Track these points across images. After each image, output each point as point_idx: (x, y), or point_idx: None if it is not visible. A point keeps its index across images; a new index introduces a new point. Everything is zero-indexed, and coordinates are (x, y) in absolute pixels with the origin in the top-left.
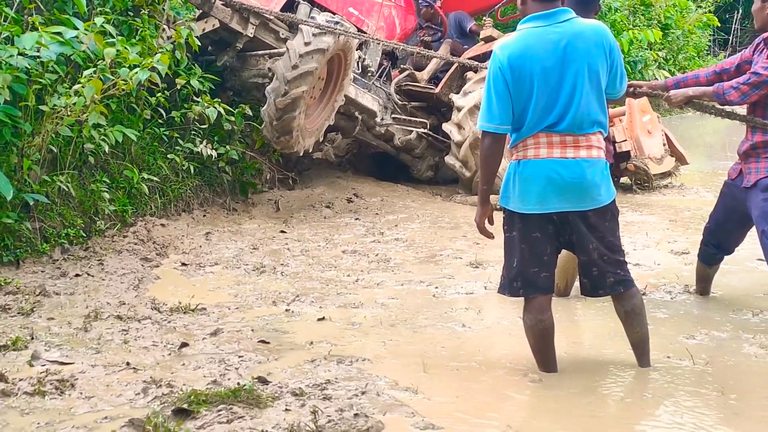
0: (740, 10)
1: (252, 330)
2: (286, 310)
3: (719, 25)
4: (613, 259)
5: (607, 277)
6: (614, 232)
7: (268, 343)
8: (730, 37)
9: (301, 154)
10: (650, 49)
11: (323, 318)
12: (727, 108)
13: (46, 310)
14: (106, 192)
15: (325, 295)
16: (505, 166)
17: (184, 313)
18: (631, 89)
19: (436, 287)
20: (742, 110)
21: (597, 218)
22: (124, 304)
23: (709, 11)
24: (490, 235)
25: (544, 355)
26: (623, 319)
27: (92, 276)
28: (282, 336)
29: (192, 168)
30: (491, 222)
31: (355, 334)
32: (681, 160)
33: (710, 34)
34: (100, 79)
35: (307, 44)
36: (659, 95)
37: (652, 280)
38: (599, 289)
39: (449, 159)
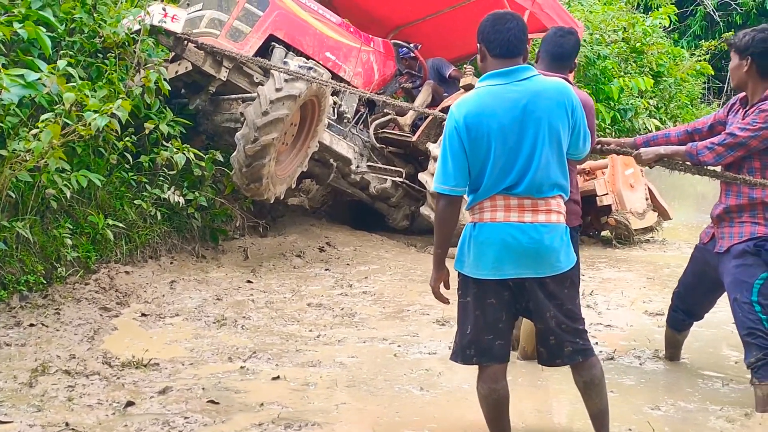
0: None
1: (203, 388)
2: (241, 368)
3: (713, 73)
4: (571, 328)
5: (565, 346)
6: (573, 299)
7: (218, 403)
8: (725, 86)
9: (272, 201)
10: (641, 97)
11: (278, 377)
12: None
13: None
14: (69, 238)
15: (283, 352)
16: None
17: (136, 368)
18: (599, 146)
19: (399, 345)
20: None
21: (555, 285)
22: (75, 357)
23: (704, 59)
24: (445, 301)
25: (498, 426)
26: (581, 390)
27: (46, 326)
28: (233, 396)
29: (160, 214)
30: (447, 286)
31: (308, 395)
32: (664, 215)
33: (704, 82)
34: (60, 123)
35: (278, 90)
36: (628, 153)
37: (623, 342)
38: (557, 359)
39: (424, 210)
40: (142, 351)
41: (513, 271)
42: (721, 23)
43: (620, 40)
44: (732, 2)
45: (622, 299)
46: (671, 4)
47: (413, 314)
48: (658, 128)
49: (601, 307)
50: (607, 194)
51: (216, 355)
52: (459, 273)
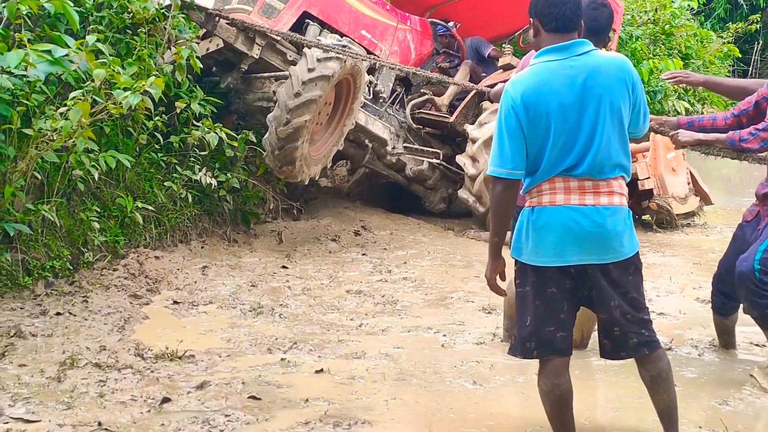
0: (761, 41)
1: (243, 383)
2: (282, 359)
3: (740, 56)
4: (636, 318)
5: (630, 338)
6: (638, 287)
7: (260, 399)
8: (750, 68)
9: (306, 183)
10: None
11: (321, 370)
12: None
13: (20, 354)
14: (97, 221)
15: (324, 343)
16: None
17: (170, 360)
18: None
19: (445, 335)
20: None
21: (619, 272)
22: (105, 349)
23: (730, 41)
24: (502, 293)
25: (562, 423)
26: (648, 385)
27: (74, 315)
28: (275, 391)
29: (190, 196)
30: (503, 277)
31: (355, 390)
32: (705, 199)
33: (730, 65)
34: (89, 101)
35: (310, 70)
36: (665, 133)
37: (677, 331)
38: (621, 351)
39: (462, 193)
40: (176, 342)
41: (575, 257)
42: (745, 6)
43: (650, 22)
44: None
45: (671, 285)
46: None
47: (457, 301)
48: (687, 111)
49: (651, 293)
50: (648, 178)
51: (254, 346)
52: (516, 261)
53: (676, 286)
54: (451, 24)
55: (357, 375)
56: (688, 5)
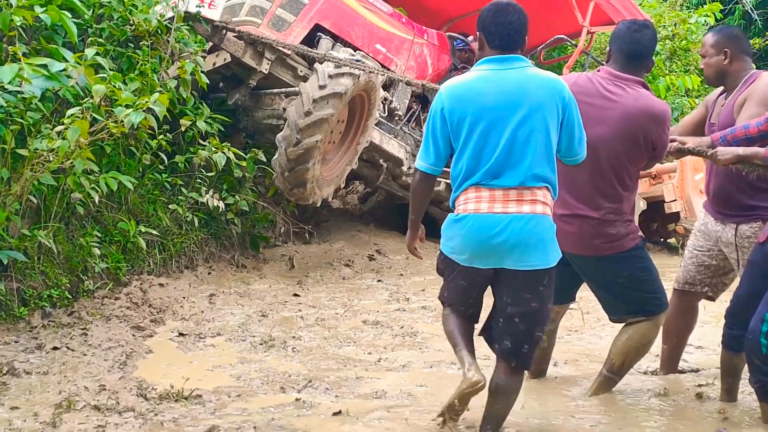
0: None
1: (254, 427)
2: (297, 400)
3: None
4: (526, 329)
5: (504, 339)
6: (543, 301)
7: None
8: None
9: (318, 205)
10: (687, 96)
11: (339, 412)
12: None
13: (12, 395)
14: (97, 247)
15: (342, 380)
16: None
17: (176, 401)
18: (676, 144)
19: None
20: None
21: (528, 280)
22: (105, 389)
23: None
24: (419, 257)
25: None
26: (491, 390)
27: (72, 350)
28: None
29: (197, 220)
30: (422, 240)
31: None
32: None
33: None
34: (88, 119)
35: (321, 87)
36: (704, 153)
37: (718, 367)
38: (495, 343)
39: None
40: (181, 379)
41: (485, 262)
42: (759, 21)
43: (668, 38)
44: None
45: (704, 315)
46: (716, 1)
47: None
48: None
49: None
50: (675, 200)
51: (266, 384)
52: (441, 253)
53: (710, 316)
54: (470, 38)
55: (378, 417)
56: (705, 21)
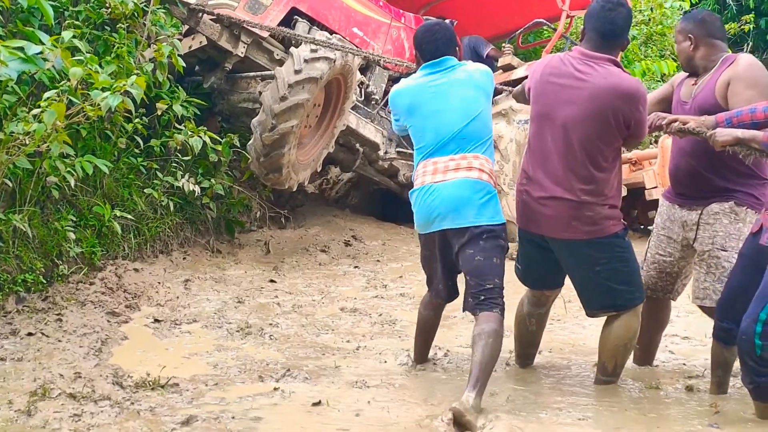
0: (750, 43)
1: (232, 417)
2: (275, 389)
3: None
4: (476, 283)
5: (468, 296)
6: (488, 256)
7: None
8: None
9: (294, 190)
10: (663, 81)
11: (319, 402)
12: None
13: None
14: (72, 231)
15: (320, 369)
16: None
17: (152, 389)
18: (677, 126)
19: (451, 361)
20: None
21: (471, 237)
22: (81, 376)
23: None
24: None
25: (417, 338)
26: (472, 340)
27: (47, 336)
28: (269, 428)
29: (172, 204)
30: None
31: (359, 427)
32: None
33: None
34: (64, 103)
35: (297, 72)
36: (702, 135)
37: (706, 358)
38: (467, 308)
39: None
40: (157, 367)
41: (433, 226)
42: (733, 6)
43: (643, 22)
44: None
45: (689, 305)
46: None
47: (460, 321)
48: None
49: (671, 314)
50: (656, 187)
51: (244, 373)
52: None
53: (694, 306)
54: (447, 21)
55: (359, 409)
56: (680, 6)
